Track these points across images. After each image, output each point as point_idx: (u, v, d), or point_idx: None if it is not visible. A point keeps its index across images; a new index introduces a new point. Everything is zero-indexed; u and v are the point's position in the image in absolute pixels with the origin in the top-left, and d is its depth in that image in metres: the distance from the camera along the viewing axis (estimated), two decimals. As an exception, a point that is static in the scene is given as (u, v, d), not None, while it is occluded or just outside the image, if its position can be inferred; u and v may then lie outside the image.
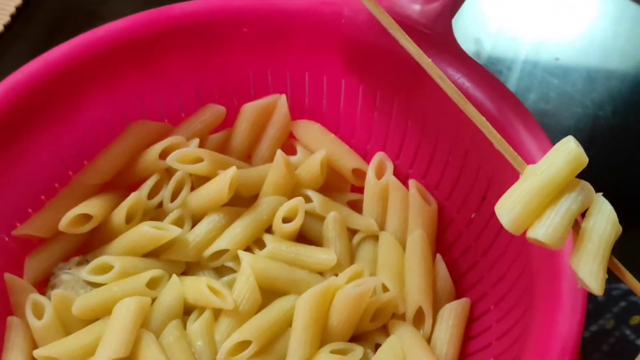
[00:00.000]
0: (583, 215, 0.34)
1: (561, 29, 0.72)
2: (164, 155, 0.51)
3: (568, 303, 0.38)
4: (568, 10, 0.73)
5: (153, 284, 0.49)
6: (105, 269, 0.49)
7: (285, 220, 0.50)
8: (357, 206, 0.54)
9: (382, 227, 0.53)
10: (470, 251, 0.50)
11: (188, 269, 0.51)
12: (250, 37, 0.53)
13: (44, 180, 0.52)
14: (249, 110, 0.54)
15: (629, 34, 0.71)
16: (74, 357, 0.46)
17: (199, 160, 0.51)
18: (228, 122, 0.55)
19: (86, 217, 0.50)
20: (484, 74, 0.47)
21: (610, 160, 0.63)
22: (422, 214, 0.51)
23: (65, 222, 0.49)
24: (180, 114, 0.55)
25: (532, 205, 0.33)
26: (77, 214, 0.50)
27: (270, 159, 0.53)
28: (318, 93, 0.55)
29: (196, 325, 0.47)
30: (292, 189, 0.52)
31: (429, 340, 0.48)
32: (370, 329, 0.48)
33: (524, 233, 0.40)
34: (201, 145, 0.53)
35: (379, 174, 0.53)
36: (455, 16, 0.50)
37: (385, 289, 0.49)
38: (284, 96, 0.55)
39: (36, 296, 0.48)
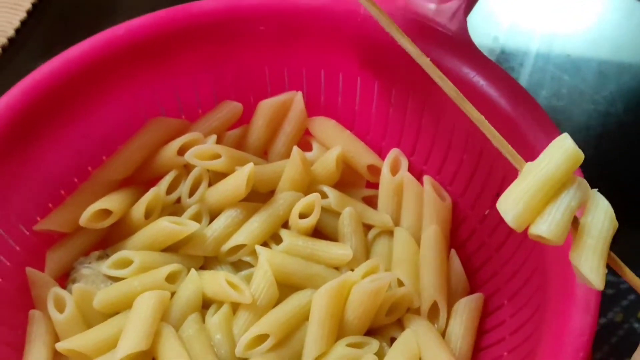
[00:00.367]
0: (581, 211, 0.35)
1: (572, 24, 0.72)
2: (182, 151, 0.52)
3: (582, 299, 0.39)
4: (579, 6, 0.74)
5: (172, 278, 0.49)
6: (125, 263, 0.50)
7: (302, 215, 0.51)
8: (372, 202, 0.55)
9: (397, 222, 0.54)
10: (484, 247, 0.51)
11: (206, 263, 0.52)
12: (267, 35, 0.53)
13: (64, 176, 0.53)
14: (266, 107, 0.55)
15: (639, 29, 0.71)
16: (96, 350, 0.47)
17: (217, 156, 0.52)
18: (245, 118, 0.56)
19: (106, 212, 0.51)
20: (498, 72, 0.48)
21: (621, 156, 0.63)
22: (437, 210, 0.52)
23: (85, 217, 0.50)
24: (198, 110, 0.56)
25: (534, 201, 0.33)
26: (97, 209, 0.50)
27: (287, 155, 0.54)
28: (334, 90, 0.55)
29: (215, 318, 0.48)
30: (308, 185, 0.53)
31: (443, 334, 0.49)
32: (385, 323, 0.49)
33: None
34: (218, 141, 0.54)
35: (394, 170, 0.54)
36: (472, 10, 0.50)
37: (400, 283, 0.49)
38: (300, 93, 0.55)
39: (57, 290, 0.49)
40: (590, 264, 0.33)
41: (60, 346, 0.47)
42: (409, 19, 0.50)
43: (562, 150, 0.33)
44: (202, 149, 0.52)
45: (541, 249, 0.44)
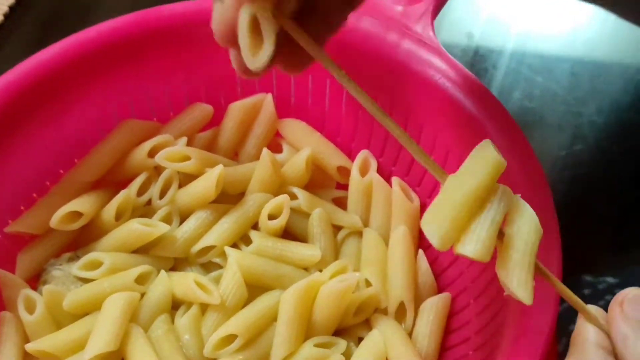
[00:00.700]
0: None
1: (546, 25, 0.72)
2: (152, 153, 0.53)
3: (541, 298, 0.39)
4: (552, 7, 0.74)
5: (142, 279, 0.50)
6: (96, 264, 0.50)
7: (271, 217, 0.51)
8: (341, 203, 0.55)
9: (366, 223, 0.54)
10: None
11: (176, 264, 0.52)
12: (237, 38, 0.53)
13: (36, 178, 0.53)
14: (236, 109, 0.56)
15: (613, 31, 0.71)
16: (65, 351, 0.47)
17: (187, 158, 0.52)
18: (215, 121, 0.56)
19: (77, 214, 0.51)
20: (464, 74, 0.48)
21: (593, 157, 0.64)
22: (405, 211, 0.52)
23: (56, 219, 0.51)
24: (169, 112, 0.56)
25: (459, 219, 0.31)
26: (68, 211, 0.51)
27: (257, 157, 0.54)
28: (304, 92, 0.56)
29: (184, 319, 0.48)
30: (278, 187, 0.53)
31: (410, 334, 0.49)
32: (353, 323, 0.50)
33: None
34: (189, 143, 0.55)
35: (363, 172, 0.54)
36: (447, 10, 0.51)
37: (368, 284, 0.50)
38: (270, 95, 0.56)
39: (28, 291, 0.49)
40: (517, 278, 0.32)
41: (30, 347, 0.47)
42: (376, 20, 0.51)
43: (484, 161, 0.32)
44: (173, 151, 0.52)
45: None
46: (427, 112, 0.50)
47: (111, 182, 0.54)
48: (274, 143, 0.57)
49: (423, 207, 0.53)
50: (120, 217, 0.52)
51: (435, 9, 0.52)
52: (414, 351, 0.47)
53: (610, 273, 0.56)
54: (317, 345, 0.47)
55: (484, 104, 0.47)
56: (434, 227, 0.31)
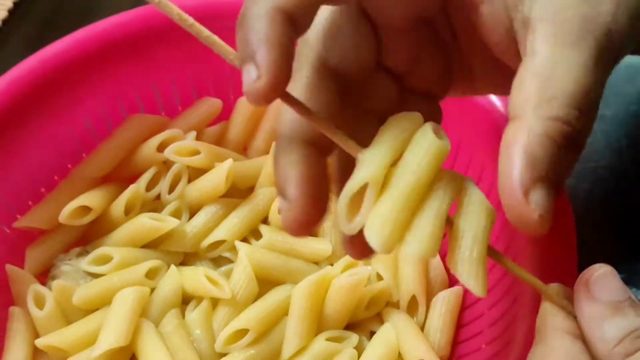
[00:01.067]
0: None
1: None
2: (161, 148, 0.52)
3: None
4: None
5: (152, 274, 0.50)
6: (105, 259, 0.50)
7: (281, 211, 0.51)
8: (352, 197, 0.55)
9: (376, 217, 0.54)
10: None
11: (186, 259, 0.52)
12: (246, 32, 0.53)
13: (44, 173, 0.53)
14: (245, 103, 0.55)
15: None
16: (76, 346, 0.47)
17: (196, 152, 0.52)
18: (224, 115, 0.56)
19: (86, 209, 0.51)
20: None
21: (600, 151, 0.63)
22: (416, 204, 0.52)
23: (65, 214, 0.50)
24: (177, 107, 0.56)
25: (400, 219, 0.28)
26: (76, 206, 0.51)
27: (266, 151, 0.54)
28: (313, 86, 0.55)
29: (194, 314, 0.48)
30: (288, 181, 0.53)
31: (422, 327, 0.49)
32: (364, 317, 0.49)
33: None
34: (198, 138, 0.54)
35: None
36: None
37: (379, 277, 0.50)
38: (279, 89, 0.55)
39: (37, 287, 0.49)
40: (468, 270, 0.30)
41: (40, 342, 0.47)
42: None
43: (425, 148, 0.29)
44: (182, 146, 0.52)
45: (519, 244, 0.44)
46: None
47: (120, 177, 0.54)
48: (283, 137, 0.56)
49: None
50: (129, 211, 0.52)
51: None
52: (427, 345, 0.47)
53: (617, 267, 0.55)
54: (328, 339, 0.47)
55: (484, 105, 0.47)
56: (375, 230, 0.28)
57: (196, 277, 0.49)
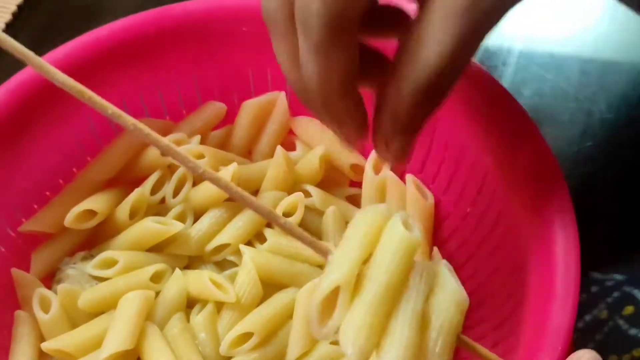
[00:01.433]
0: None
1: (555, 23, 0.72)
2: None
3: (560, 297, 0.39)
4: (561, 5, 0.74)
5: (157, 277, 0.50)
6: (110, 263, 0.50)
7: (285, 214, 0.51)
8: (355, 201, 0.55)
9: (380, 221, 0.54)
10: (466, 244, 0.51)
11: (190, 263, 0.52)
12: (250, 36, 0.53)
13: (49, 177, 0.53)
14: (249, 107, 0.56)
15: (621, 28, 0.72)
16: (81, 350, 0.47)
17: (201, 156, 0.52)
18: (228, 119, 0.56)
19: (91, 213, 0.51)
20: (476, 69, 0.48)
21: (604, 154, 0.64)
22: (419, 209, 0.52)
23: (70, 217, 0.51)
24: (182, 111, 0.56)
25: (376, 324, 0.28)
26: (82, 209, 0.51)
27: (271, 155, 0.54)
28: (317, 90, 0.55)
29: (199, 317, 0.48)
30: (292, 184, 0.53)
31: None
32: (369, 320, 0.49)
33: (517, 229, 0.41)
34: (202, 141, 0.55)
35: (377, 169, 0.54)
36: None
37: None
38: (283, 93, 0.56)
39: (43, 290, 0.49)
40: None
41: (45, 346, 0.47)
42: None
43: (396, 243, 0.29)
44: (186, 150, 0.52)
45: (522, 244, 0.45)
46: (443, 108, 0.49)
47: (125, 180, 0.54)
48: (288, 141, 0.56)
49: (437, 205, 0.53)
50: (134, 215, 0.52)
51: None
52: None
53: (619, 270, 0.56)
54: (332, 343, 0.47)
55: (499, 103, 0.47)
56: (349, 339, 0.28)
57: (201, 280, 0.49)
